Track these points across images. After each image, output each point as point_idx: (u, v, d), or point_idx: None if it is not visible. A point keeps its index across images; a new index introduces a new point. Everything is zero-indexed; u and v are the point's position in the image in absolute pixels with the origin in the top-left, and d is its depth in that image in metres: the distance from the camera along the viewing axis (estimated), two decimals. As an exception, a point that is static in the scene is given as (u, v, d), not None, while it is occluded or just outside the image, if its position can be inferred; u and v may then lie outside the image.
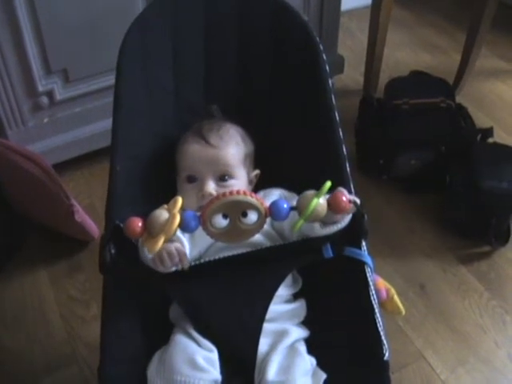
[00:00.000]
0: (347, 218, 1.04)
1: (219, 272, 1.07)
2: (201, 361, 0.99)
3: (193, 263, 1.08)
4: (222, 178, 1.19)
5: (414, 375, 1.51)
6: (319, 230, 1.05)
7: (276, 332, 1.07)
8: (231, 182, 1.19)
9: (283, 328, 1.08)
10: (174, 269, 1.03)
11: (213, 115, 1.27)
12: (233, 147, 1.22)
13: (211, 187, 1.17)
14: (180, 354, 1.00)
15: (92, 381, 1.49)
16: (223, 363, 1.02)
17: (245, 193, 0.96)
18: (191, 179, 1.19)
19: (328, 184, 0.97)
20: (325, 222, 1.04)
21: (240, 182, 1.21)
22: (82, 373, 1.53)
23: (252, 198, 0.96)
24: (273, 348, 1.05)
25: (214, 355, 1.02)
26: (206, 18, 1.28)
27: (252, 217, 0.98)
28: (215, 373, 1.00)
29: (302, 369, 1.02)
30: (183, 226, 0.96)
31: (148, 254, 1.01)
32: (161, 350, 1.05)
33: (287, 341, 1.07)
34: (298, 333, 1.10)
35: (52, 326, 1.65)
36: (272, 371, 1.01)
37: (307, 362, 1.04)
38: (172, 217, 0.94)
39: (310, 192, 0.98)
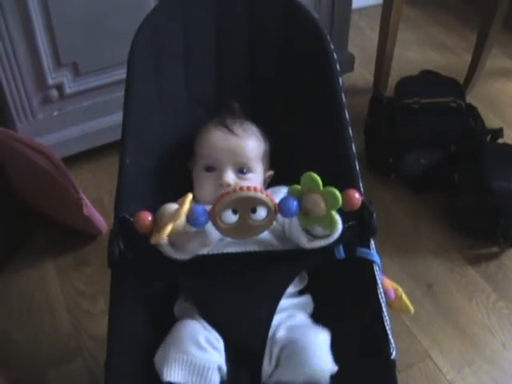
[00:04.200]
0: (336, 234, 1.03)
1: (230, 268, 1.06)
2: (204, 342, 0.99)
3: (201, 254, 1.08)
4: (241, 170, 1.19)
5: (420, 375, 1.51)
6: (306, 244, 1.05)
7: (282, 318, 1.07)
8: (250, 175, 1.20)
9: (289, 313, 1.09)
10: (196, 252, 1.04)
11: (234, 112, 1.26)
12: (254, 140, 1.22)
13: (230, 177, 1.17)
14: (186, 335, 1.00)
15: (98, 374, 1.49)
16: (230, 357, 1.02)
17: (255, 189, 0.96)
18: (210, 169, 1.19)
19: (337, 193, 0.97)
20: (314, 236, 1.04)
21: (258, 176, 1.21)
22: (87, 366, 1.53)
23: (262, 194, 0.96)
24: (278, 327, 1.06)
25: (220, 344, 1.02)
26: (217, 15, 1.28)
27: (261, 213, 0.98)
28: (217, 356, 1.00)
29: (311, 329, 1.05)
30: (193, 221, 0.96)
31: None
32: (163, 343, 1.05)
33: (292, 320, 1.07)
34: (303, 317, 1.10)
35: (58, 319, 1.65)
36: (281, 332, 1.04)
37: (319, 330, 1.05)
38: (181, 205, 0.94)
39: (317, 196, 0.98)
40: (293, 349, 1.01)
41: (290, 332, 1.04)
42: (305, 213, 0.99)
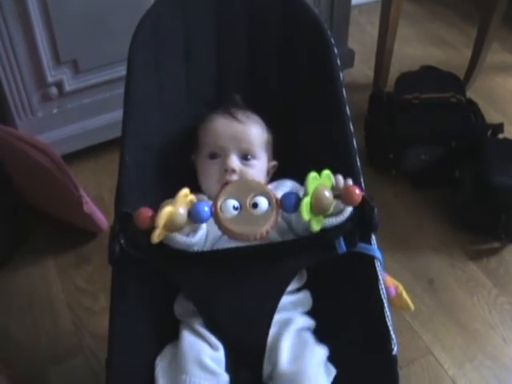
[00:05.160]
0: (348, 211, 1.04)
1: (230, 265, 1.06)
2: (208, 361, 0.99)
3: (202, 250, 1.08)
4: (245, 156, 1.19)
5: (421, 370, 1.51)
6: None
7: (281, 321, 1.06)
8: (254, 161, 1.20)
9: (288, 317, 1.08)
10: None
11: (236, 103, 1.26)
12: (257, 127, 1.23)
13: (235, 163, 1.17)
14: (187, 354, 1.00)
15: (99, 371, 1.49)
16: (230, 356, 1.02)
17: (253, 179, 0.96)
18: (214, 156, 1.20)
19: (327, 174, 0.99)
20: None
21: (262, 164, 1.22)
22: (88, 363, 1.53)
23: (260, 183, 0.96)
24: (279, 336, 1.04)
25: (221, 354, 1.01)
26: (217, 11, 1.28)
27: (262, 207, 0.97)
28: (224, 375, 1.00)
29: (314, 359, 1.02)
30: (194, 216, 0.95)
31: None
32: (170, 346, 1.05)
33: (292, 328, 1.06)
34: (302, 321, 1.09)
35: (59, 317, 1.65)
36: (284, 360, 1.01)
37: (317, 351, 1.04)
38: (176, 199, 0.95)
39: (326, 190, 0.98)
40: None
41: (293, 363, 1.02)
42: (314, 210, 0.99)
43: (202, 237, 1.07)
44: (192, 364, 0.98)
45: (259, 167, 1.21)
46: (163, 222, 0.94)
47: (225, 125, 1.21)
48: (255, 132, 1.22)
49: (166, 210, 0.94)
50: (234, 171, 1.16)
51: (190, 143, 1.26)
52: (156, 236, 0.94)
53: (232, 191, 0.97)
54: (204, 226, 1.05)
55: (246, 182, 0.97)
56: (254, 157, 1.20)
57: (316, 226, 0.99)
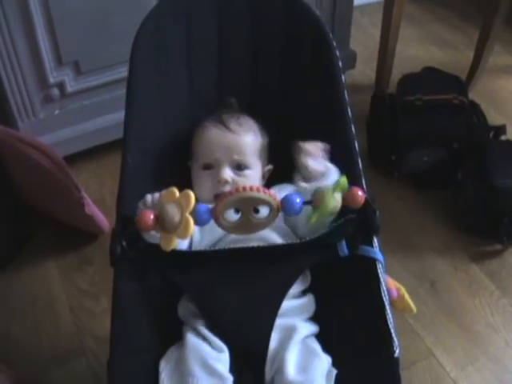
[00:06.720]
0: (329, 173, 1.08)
1: (232, 266, 1.06)
2: (213, 363, 0.99)
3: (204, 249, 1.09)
4: (239, 167, 1.19)
5: (423, 372, 1.51)
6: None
7: (285, 327, 1.06)
8: (247, 172, 1.20)
9: (292, 323, 1.08)
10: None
11: (231, 107, 1.26)
12: (251, 136, 1.23)
13: (227, 174, 1.18)
14: (192, 357, 1.00)
15: (100, 373, 1.48)
16: (233, 358, 1.02)
17: (258, 189, 0.95)
18: (207, 167, 1.20)
19: (344, 179, 0.98)
20: (307, 178, 1.08)
21: (255, 172, 1.22)
22: (90, 365, 1.53)
23: (264, 195, 0.95)
24: (284, 344, 1.04)
25: (225, 355, 1.01)
26: (219, 14, 1.28)
27: (264, 212, 0.97)
28: (229, 378, 1.00)
29: (320, 369, 1.02)
30: (195, 220, 0.95)
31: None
32: (173, 348, 1.05)
33: (297, 337, 1.06)
34: (307, 328, 1.09)
35: (61, 319, 1.65)
36: (291, 370, 1.01)
37: (324, 361, 1.04)
38: (185, 222, 0.94)
39: (326, 187, 0.98)
40: None
41: (301, 373, 1.02)
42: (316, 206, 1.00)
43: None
44: (197, 367, 0.98)
45: (253, 176, 1.21)
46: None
47: (217, 135, 1.20)
48: (248, 141, 1.22)
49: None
50: (227, 182, 1.17)
51: (189, 147, 1.26)
52: (170, 244, 0.95)
53: (233, 203, 0.96)
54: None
55: (248, 197, 0.96)
56: (247, 167, 1.20)
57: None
